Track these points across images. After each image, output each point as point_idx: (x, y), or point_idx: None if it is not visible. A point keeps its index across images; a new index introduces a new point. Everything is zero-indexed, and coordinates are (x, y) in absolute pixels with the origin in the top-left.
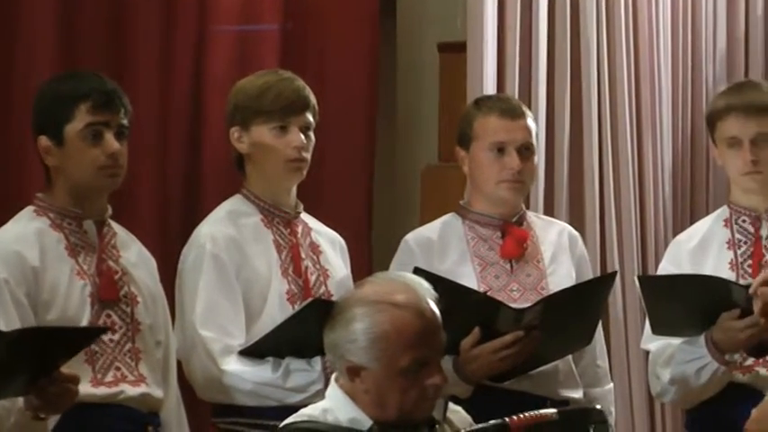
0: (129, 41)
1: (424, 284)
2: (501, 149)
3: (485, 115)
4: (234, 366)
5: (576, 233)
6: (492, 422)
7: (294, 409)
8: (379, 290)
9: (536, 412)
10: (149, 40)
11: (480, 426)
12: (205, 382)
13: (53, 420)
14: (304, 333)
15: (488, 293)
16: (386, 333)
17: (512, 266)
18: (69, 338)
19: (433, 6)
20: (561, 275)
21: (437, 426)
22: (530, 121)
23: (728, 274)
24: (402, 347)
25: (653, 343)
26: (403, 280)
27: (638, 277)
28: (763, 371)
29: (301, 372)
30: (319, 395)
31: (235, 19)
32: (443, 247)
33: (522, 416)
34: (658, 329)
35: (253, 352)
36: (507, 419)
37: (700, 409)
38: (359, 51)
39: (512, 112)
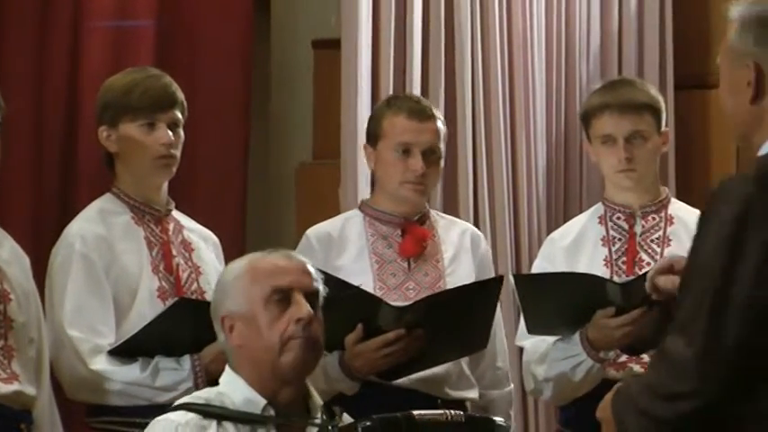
0: (3, 38)
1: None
2: (406, 150)
3: (394, 114)
4: (102, 366)
5: (479, 233)
6: (398, 413)
7: (165, 408)
8: (257, 254)
9: (442, 411)
10: (24, 37)
11: (388, 414)
12: (74, 382)
13: None
14: (173, 332)
15: (362, 288)
16: (246, 270)
17: (409, 265)
18: None
19: (307, 3)
20: (460, 276)
21: (336, 416)
22: (439, 124)
23: (603, 271)
24: (263, 278)
25: (527, 340)
26: (286, 252)
27: (514, 276)
28: (636, 367)
29: (170, 371)
30: (188, 394)
31: (110, 15)
32: (342, 243)
33: (427, 412)
34: (534, 329)
35: (122, 351)
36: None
37: (573, 405)
38: (233, 47)
39: (420, 114)
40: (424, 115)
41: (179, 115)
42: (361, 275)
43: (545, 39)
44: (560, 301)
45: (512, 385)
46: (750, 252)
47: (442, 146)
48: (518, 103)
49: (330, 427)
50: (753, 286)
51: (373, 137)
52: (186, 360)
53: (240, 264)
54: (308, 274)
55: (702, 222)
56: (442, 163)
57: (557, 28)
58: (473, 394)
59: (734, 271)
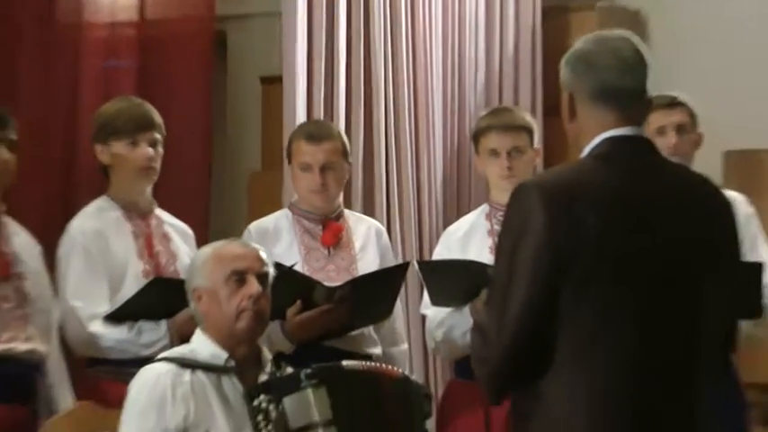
0: (18, 74)
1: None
2: (307, 168)
3: (297, 138)
4: (98, 329)
5: (381, 228)
6: (331, 363)
7: (148, 360)
8: (220, 242)
9: (379, 365)
10: (33, 73)
11: (323, 364)
12: (77, 342)
13: None
14: (151, 302)
15: (296, 269)
16: (211, 255)
17: (329, 252)
18: None
19: (256, 46)
20: (368, 261)
21: (282, 367)
22: (334, 144)
23: (488, 258)
24: (225, 262)
25: (429, 309)
26: (243, 241)
27: (418, 262)
28: None
29: (150, 331)
30: (165, 349)
31: (102, 56)
32: (276, 235)
33: (363, 363)
34: (437, 302)
35: (113, 317)
36: (342, 363)
37: (465, 359)
38: (196, 82)
39: (314, 137)
40: (319, 138)
41: (157, 135)
42: (293, 260)
43: (442, 75)
44: (454, 281)
45: (406, 344)
46: (525, 253)
47: (345, 158)
48: (421, 125)
49: (277, 374)
50: (529, 279)
51: (287, 156)
52: (163, 323)
53: (207, 250)
54: (261, 259)
55: (504, 215)
56: (345, 171)
57: (451, 66)
58: (378, 350)
59: (514, 265)
